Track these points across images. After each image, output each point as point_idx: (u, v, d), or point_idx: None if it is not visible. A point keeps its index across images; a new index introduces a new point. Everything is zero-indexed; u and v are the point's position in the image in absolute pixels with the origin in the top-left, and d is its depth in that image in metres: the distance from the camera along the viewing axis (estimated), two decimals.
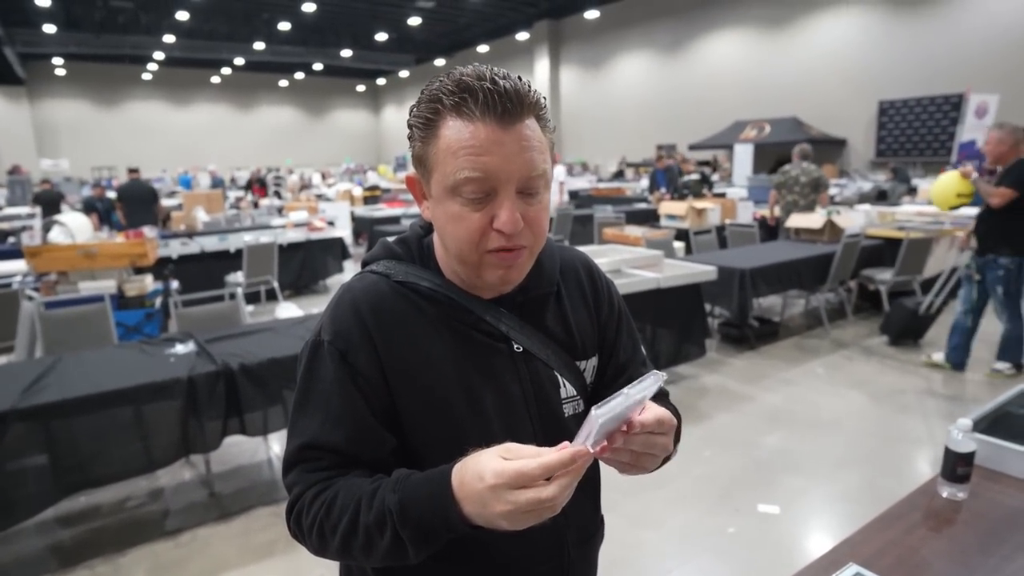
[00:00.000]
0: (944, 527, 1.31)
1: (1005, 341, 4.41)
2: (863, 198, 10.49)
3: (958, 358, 4.52)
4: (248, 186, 15.57)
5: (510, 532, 0.87)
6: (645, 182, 13.43)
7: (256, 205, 12.24)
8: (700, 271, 4.46)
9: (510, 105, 0.75)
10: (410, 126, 0.82)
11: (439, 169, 0.78)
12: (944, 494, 1.38)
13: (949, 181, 4.55)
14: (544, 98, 0.82)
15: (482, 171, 0.75)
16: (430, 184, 0.81)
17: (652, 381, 0.70)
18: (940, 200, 4.66)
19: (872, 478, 3.16)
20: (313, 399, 0.84)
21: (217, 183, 17.38)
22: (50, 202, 9.92)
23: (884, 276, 5.64)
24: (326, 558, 0.83)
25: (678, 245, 6.21)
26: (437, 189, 0.79)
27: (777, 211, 6.90)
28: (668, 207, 7.90)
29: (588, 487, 0.99)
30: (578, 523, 0.96)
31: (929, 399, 4.10)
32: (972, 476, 1.37)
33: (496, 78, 0.75)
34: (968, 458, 1.36)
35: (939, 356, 4.63)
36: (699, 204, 7.68)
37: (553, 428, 0.91)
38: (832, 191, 11.15)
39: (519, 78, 0.78)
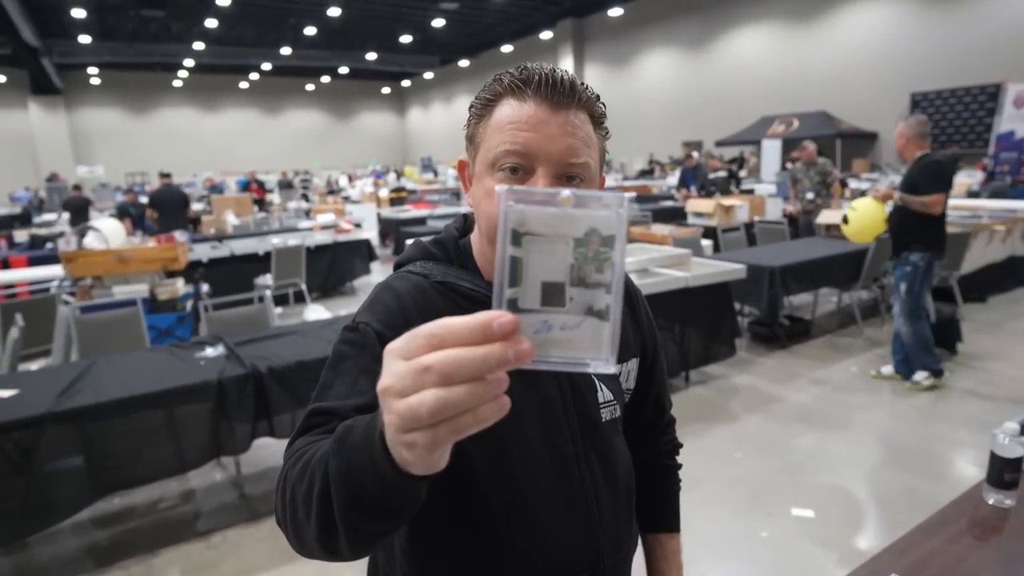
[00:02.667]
0: (991, 536, 1.26)
1: (912, 350, 4.13)
2: None
3: (907, 369, 4.23)
4: (246, 187, 15.38)
5: (542, 541, 0.86)
6: (671, 180, 13.31)
7: (259, 204, 12.33)
8: (729, 269, 4.39)
9: (561, 89, 0.77)
10: (470, 108, 0.84)
11: (484, 145, 0.80)
12: (990, 501, 1.32)
13: (871, 211, 4.09)
14: (603, 105, 0.84)
15: (522, 146, 0.76)
16: (475, 162, 0.82)
17: (615, 205, 0.43)
18: (867, 233, 4.23)
19: (911, 482, 3.07)
20: (338, 378, 0.79)
21: (217, 189, 17.13)
22: (78, 208, 10.18)
23: None
24: (292, 544, 0.63)
25: (706, 243, 6.12)
26: (480, 166, 0.81)
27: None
28: (695, 204, 7.81)
29: (623, 496, 0.97)
30: (613, 533, 0.94)
31: (971, 399, 3.98)
32: (1020, 482, 1.32)
33: (556, 70, 0.79)
34: (1016, 463, 1.30)
35: (888, 369, 4.34)
36: (727, 201, 7.57)
37: (590, 432, 0.91)
38: (863, 185, 10.97)
39: (584, 84, 0.80)
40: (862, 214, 4.15)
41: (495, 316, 0.40)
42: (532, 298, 0.42)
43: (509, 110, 0.78)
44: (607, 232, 0.42)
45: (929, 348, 4.13)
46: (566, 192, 0.42)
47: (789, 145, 13.98)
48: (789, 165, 12.02)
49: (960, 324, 4.80)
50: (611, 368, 0.43)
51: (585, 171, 0.79)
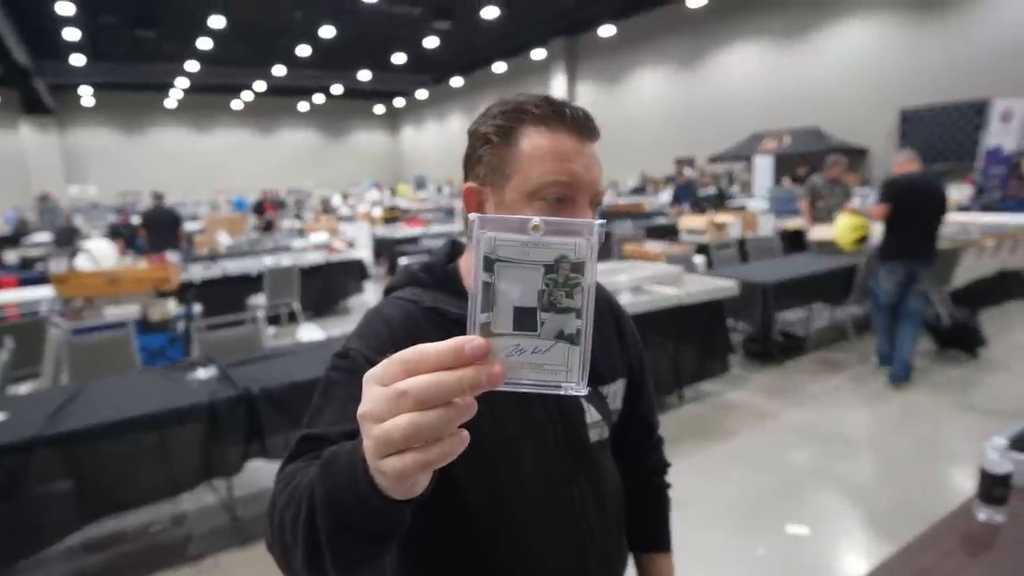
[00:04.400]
0: (982, 552, 1.26)
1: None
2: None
3: (885, 361, 4.66)
4: (259, 208, 15.24)
5: (533, 562, 0.86)
6: (664, 196, 13.39)
7: (269, 225, 12.30)
8: (722, 286, 4.40)
9: (587, 123, 0.82)
10: (480, 135, 0.84)
11: (520, 174, 0.80)
12: (981, 517, 1.32)
13: (843, 222, 5.06)
14: None
15: (569, 176, 0.79)
16: (503, 191, 0.82)
17: (584, 232, 0.43)
18: (843, 241, 5.10)
19: (906, 497, 3.07)
20: (328, 404, 0.80)
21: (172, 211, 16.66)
22: (62, 233, 10.24)
23: None
24: (281, 570, 0.67)
25: (699, 260, 6.15)
26: (514, 195, 0.81)
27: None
28: (688, 221, 7.85)
29: (612, 516, 0.97)
30: (603, 554, 0.94)
31: (966, 413, 3.99)
32: (1010, 498, 1.32)
33: (570, 103, 0.83)
34: (1005, 479, 1.30)
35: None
36: (719, 218, 7.61)
37: (579, 453, 0.91)
38: (855, 201, 11.05)
39: None
40: (838, 225, 5.10)
41: (467, 340, 0.42)
42: (504, 323, 0.44)
43: (546, 141, 0.80)
44: (577, 258, 0.43)
45: (878, 332, 4.69)
46: (536, 220, 0.43)
47: (781, 161, 14.09)
48: (786, 181, 12.07)
49: (981, 329, 4.94)
50: (583, 391, 0.44)
51: (604, 197, 0.84)
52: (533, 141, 0.80)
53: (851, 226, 4.91)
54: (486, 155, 0.83)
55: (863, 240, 5.06)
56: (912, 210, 4.26)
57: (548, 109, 0.81)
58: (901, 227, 4.31)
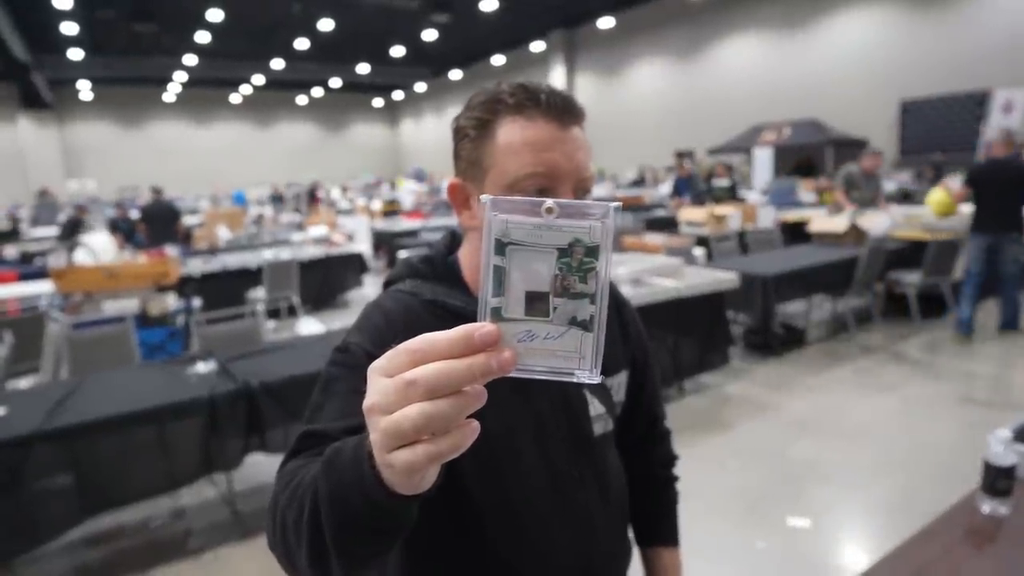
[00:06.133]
0: (986, 545, 1.25)
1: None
2: (887, 199, 10.32)
3: (963, 328, 5.18)
4: (313, 195, 16.01)
5: (535, 556, 0.85)
6: (663, 189, 13.37)
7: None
8: (722, 279, 4.39)
9: (566, 106, 0.78)
10: (459, 129, 0.82)
11: (497, 168, 0.78)
12: (985, 510, 1.32)
13: (936, 196, 6.00)
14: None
15: (546, 167, 0.76)
16: (483, 185, 0.80)
17: (599, 215, 0.42)
18: (936, 212, 6.00)
19: (907, 489, 3.07)
20: (329, 399, 0.79)
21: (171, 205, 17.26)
22: (66, 226, 10.21)
23: (912, 279, 5.52)
24: (284, 569, 0.65)
25: (699, 252, 6.13)
26: (493, 189, 0.79)
27: None
28: (688, 213, 7.82)
29: (616, 510, 0.96)
30: (606, 549, 0.93)
31: (965, 405, 3.98)
32: (1015, 490, 1.31)
33: (553, 86, 0.80)
34: (1009, 471, 1.29)
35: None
36: (719, 210, 7.59)
37: (583, 446, 0.90)
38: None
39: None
40: (933, 195, 6.09)
41: (477, 327, 0.41)
42: (516, 308, 0.42)
43: (521, 131, 0.77)
44: (591, 242, 0.42)
45: (962, 299, 5.17)
46: (549, 202, 0.42)
47: (781, 153, 14.06)
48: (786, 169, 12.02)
49: None
50: (596, 378, 0.43)
51: (592, 182, 0.80)
52: (508, 132, 0.77)
53: (941, 201, 5.91)
54: (465, 150, 0.81)
55: (950, 213, 5.99)
56: (991, 189, 4.98)
57: (523, 96, 0.77)
58: (983, 204, 5.05)
